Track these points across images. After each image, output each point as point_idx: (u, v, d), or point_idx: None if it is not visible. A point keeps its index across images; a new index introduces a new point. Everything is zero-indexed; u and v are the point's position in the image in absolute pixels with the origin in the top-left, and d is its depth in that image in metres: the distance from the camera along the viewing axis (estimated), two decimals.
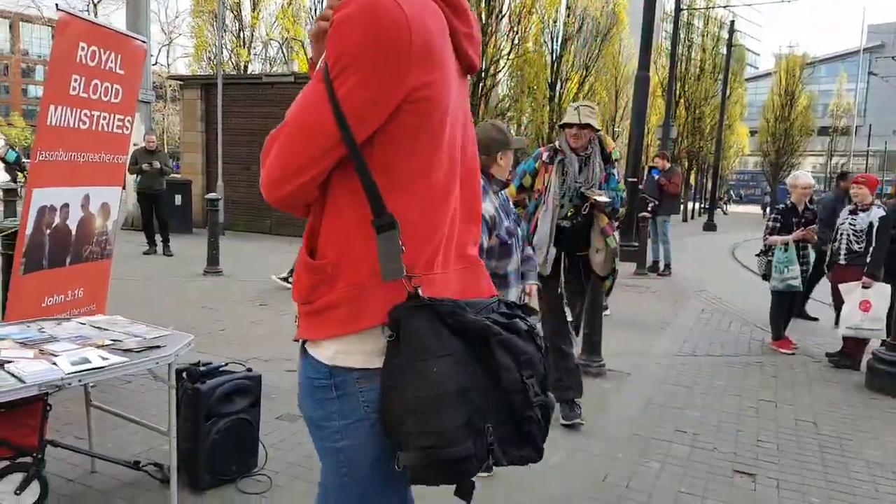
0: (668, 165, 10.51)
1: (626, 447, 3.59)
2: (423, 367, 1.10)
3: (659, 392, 4.61)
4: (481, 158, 3.04)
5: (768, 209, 21.96)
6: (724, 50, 28.20)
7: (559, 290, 4.06)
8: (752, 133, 43.57)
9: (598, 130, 3.93)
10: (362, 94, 1.07)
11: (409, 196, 1.16)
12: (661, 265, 10.34)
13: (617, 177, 3.98)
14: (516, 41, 22.18)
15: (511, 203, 3.20)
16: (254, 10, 22.61)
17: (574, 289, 4.20)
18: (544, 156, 3.98)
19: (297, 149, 1.13)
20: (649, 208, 10.18)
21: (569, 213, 3.94)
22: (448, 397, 1.09)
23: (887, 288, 5.24)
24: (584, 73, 25.55)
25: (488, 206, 2.81)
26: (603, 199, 3.80)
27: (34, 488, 2.42)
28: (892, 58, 34.39)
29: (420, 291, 1.15)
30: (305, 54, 21.54)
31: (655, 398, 4.47)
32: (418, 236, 1.18)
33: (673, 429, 3.90)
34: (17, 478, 2.39)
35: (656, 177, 10.30)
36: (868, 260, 5.36)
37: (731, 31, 26.92)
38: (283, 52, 19.56)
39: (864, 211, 5.50)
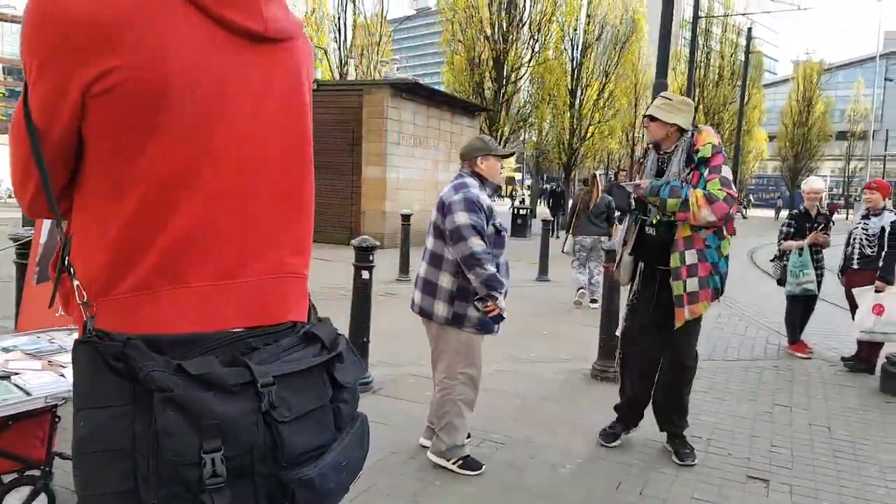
0: None
1: (639, 454, 3.63)
2: (76, 418, 0.93)
3: None
4: (463, 163, 3.26)
5: (782, 213, 21.83)
6: (742, 56, 28.10)
7: (648, 313, 3.50)
8: (771, 138, 43.27)
9: (682, 127, 3.37)
10: (39, 90, 0.95)
11: (117, 201, 0.97)
12: None
13: (716, 176, 3.21)
14: (537, 49, 22.30)
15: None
16: None
17: (641, 308, 3.56)
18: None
19: (13, 150, 1.02)
20: None
21: (653, 221, 3.42)
22: (95, 458, 0.91)
23: None
24: (603, 80, 25.58)
25: (485, 198, 3.14)
26: (629, 186, 3.39)
27: (42, 501, 2.40)
28: None
29: (93, 321, 0.95)
30: (328, 62, 21.82)
31: None
32: (128, 247, 0.97)
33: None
34: (25, 490, 2.36)
35: None
36: (880, 264, 5.37)
37: (749, 37, 26.80)
38: None
39: (876, 216, 5.51)
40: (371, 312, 4.38)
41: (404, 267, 9.18)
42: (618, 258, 3.66)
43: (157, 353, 0.92)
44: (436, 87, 16.93)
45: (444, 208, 3.12)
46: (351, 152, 12.80)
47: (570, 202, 11.42)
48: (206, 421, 0.90)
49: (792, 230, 5.98)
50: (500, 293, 3.06)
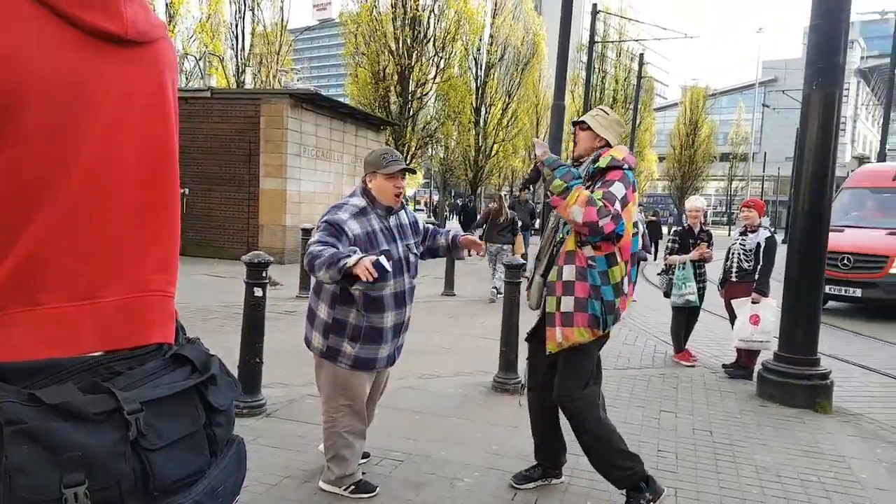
0: None
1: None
2: None
3: None
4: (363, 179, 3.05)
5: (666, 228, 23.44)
6: (634, 81, 29.71)
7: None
8: (661, 159, 45.99)
9: (604, 141, 3.20)
10: None
11: None
12: None
13: (604, 189, 2.95)
14: (442, 66, 22.64)
15: (417, 224, 3.27)
16: (170, 23, 22.05)
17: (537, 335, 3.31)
18: None
19: None
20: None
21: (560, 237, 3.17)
22: None
23: (774, 303, 5.66)
24: (507, 100, 26.31)
25: (361, 223, 2.88)
26: (539, 145, 3.21)
27: None
28: (783, 91, 37.20)
29: None
30: (223, 69, 21.14)
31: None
32: None
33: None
34: None
35: None
36: (756, 277, 5.80)
37: (641, 63, 28.39)
38: (199, 67, 19.10)
39: (752, 232, 5.95)
40: (266, 331, 4.22)
41: (305, 283, 8.97)
42: (530, 278, 3.33)
43: (5, 383, 0.85)
44: (340, 99, 16.78)
45: None
46: (248, 164, 12.40)
47: (479, 216, 12.31)
48: (67, 454, 0.83)
49: (676, 245, 6.36)
50: (346, 258, 2.51)
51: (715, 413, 4.80)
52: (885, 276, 9.89)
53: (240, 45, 21.15)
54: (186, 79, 21.27)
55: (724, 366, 6.07)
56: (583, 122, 3.25)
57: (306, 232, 9.21)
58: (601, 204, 2.91)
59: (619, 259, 3.02)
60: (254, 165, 12.36)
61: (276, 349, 5.10)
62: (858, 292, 10.06)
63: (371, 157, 3.09)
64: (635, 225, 3.11)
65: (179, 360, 1.04)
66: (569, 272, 3.03)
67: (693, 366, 6.22)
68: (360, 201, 2.99)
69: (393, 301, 2.96)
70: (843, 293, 10.21)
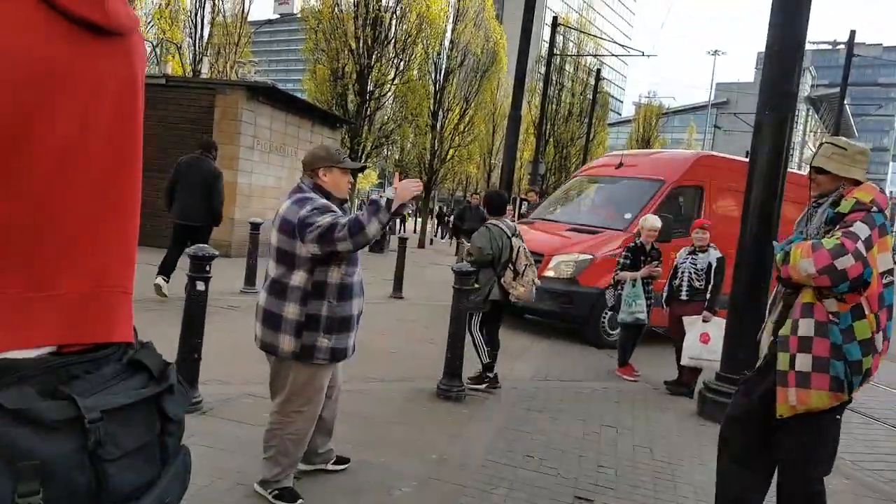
0: (537, 199, 11.11)
1: (476, 474, 3.64)
2: None
3: (512, 417, 4.76)
4: (304, 173, 3.03)
5: None
6: (591, 95, 30.24)
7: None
8: None
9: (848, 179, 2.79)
10: None
11: None
12: None
13: (847, 230, 2.60)
14: (401, 68, 22.56)
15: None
16: None
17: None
18: None
19: None
20: None
21: None
22: None
23: (723, 322, 5.78)
24: (464, 106, 26.38)
25: (302, 212, 2.86)
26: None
27: None
28: (734, 114, 38.48)
29: None
30: (180, 57, 20.54)
31: (509, 423, 4.61)
32: None
33: (522, 454, 4.03)
34: None
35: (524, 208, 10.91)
36: (707, 297, 5.92)
37: (598, 78, 28.94)
38: (155, 54, 18.51)
39: (703, 252, 6.07)
40: (206, 327, 4.06)
41: (250, 278, 8.74)
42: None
43: None
44: (297, 94, 16.49)
45: (289, 228, 2.85)
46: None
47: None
48: (23, 462, 0.78)
49: (628, 262, 6.43)
50: (380, 200, 2.76)
51: (655, 430, 4.86)
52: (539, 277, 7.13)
53: (198, 34, 20.57)
54: None
55: (665, 382, 6.16)
56: (818, 168, 2.83)
57: (255, 227, 8.90)
58: (835, 243, 2.56)
59: (866, 311, 2.60)
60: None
61: (215, 345, 4.92)
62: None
63: (322, 153, 3.06)
64: (890, 273, 2.68)
65: (136, 365, 0.99)
66: (806, 327, 2.66)
67: (635, 380, 6.30)
68: (319, 196, 2.96)
69: (359, 289, 3.04)
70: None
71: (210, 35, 20.97)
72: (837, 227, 2.65)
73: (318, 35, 21.11)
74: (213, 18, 20.89)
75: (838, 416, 2.72)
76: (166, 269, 7.59)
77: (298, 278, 2.86)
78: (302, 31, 23.55)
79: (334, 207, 2.93)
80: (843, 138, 2.93)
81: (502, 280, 5.32)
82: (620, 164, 9.53)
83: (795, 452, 2.72)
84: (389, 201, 2.75)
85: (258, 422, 3.91)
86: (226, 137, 11.88)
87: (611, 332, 7.91)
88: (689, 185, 8.85)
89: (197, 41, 20.50)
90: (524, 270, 5.36)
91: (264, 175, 13.04)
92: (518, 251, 5.37)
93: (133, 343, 1.03)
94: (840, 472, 3.78)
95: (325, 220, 2.77)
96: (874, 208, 2.64)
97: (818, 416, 2.66)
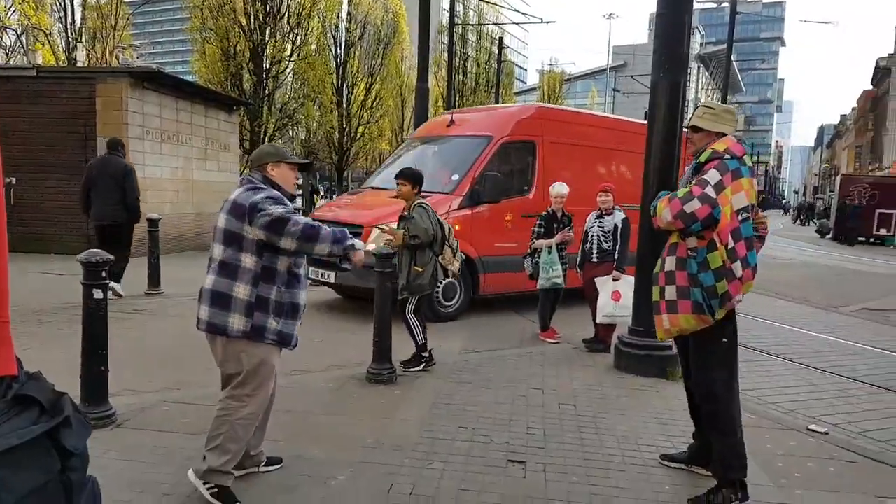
0: None
1: (412, 452, 3.65)
2: None
3: (444, 392, 4.79)
4: (253, 170, 3.07)
5: None
6: (496, 65, 30.41)
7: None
8: None
9: (717, 133, 3.21)
10: None
11: None
12: None
13: (699, 178, 3.05)
14: (298, 43, 21.83)
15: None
16: None
17: None
18: None
19: None
20: None
21: None
22: None
23: (633, 280, 6.01)
24: (370, 80, 25.92)
25: (256, 197, 2.91)
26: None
27: None
28: (632, 76, 39.74)
29: None
30: (50, 45, 19.00)
31: (441, 398, 4.64)
32: None
33: (456, 426, 4.07)
34: None
35: None
36: (616, 257, 6.14)
37: (501, 47, 29.11)
38: (21, 43, 17.02)
39: (608, 215, 6.27)
40: (111, 335, 3.83)
41: (154, 279, 8.25)
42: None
43: None
44: (187, 77, 15.65)
45: (240, 211, 2.86)
46: (84, 149, 11.17)
47: None
48: None
49: (542, 230, 6.56)
50: (353, 241, 2.93)
51: (578, 387, 5.03)
52: None
53: (69, 19, 19.05)
54: (7, 55, 18.93)
55: (584, 341, 6.38)
56: (693, 126, 3.25)
57: (153, 223, 8.29)
58: (685, 192, 3.02)
59: (718, 244, 2.96)
60: (90, 151, 11.10)
61: (123, 353, 4.67)
62: (332, 276, 7.22)
63: (270, 149, 3.19)
64: (751, 208, 3.06)
65: (24, 400, 0.90)
66: (670, 263, 3.17)
67: (557, 342, 6.49)
68: (271, 189, 3.01)
69: (305, 280, 3.10)
70: (319, 277, 7.30)
71: (83, 19, 19.50)
72: (697, 175, 3.10)
73: (203, 13, 20.05)
74: (84, 1, 19.42)
75: (724, 340, 3.19)
76: (115, 277, 7.33)
77: (249, 261, 2.88)
78: (186, 9, 22.25)
79: (286, 201, 2.99)
80: (714, 101, 3.52)
81: (440, 258, 5.32)
82: (451, 123, 8.90)
83: (695, 362, 3.31)
84: (353, 247, 2.92)
85: (178, 428, 3.76)
86: (111, 130, 11.03)
87: (446, 304, 7.50)
88: (519, 139, 8.33)
89: (69, 26, 19.01)
90: (456, 246, 5.41)
91: (159, 167, 12.29)
92: (449, 227, 5.39)
93: (18, 376, 0.93)
94: (746, 408, 4.03)
95: (279, 210, 2.83)
96: (727, 156, 3.07)
97: (703, 338, 3.19)
